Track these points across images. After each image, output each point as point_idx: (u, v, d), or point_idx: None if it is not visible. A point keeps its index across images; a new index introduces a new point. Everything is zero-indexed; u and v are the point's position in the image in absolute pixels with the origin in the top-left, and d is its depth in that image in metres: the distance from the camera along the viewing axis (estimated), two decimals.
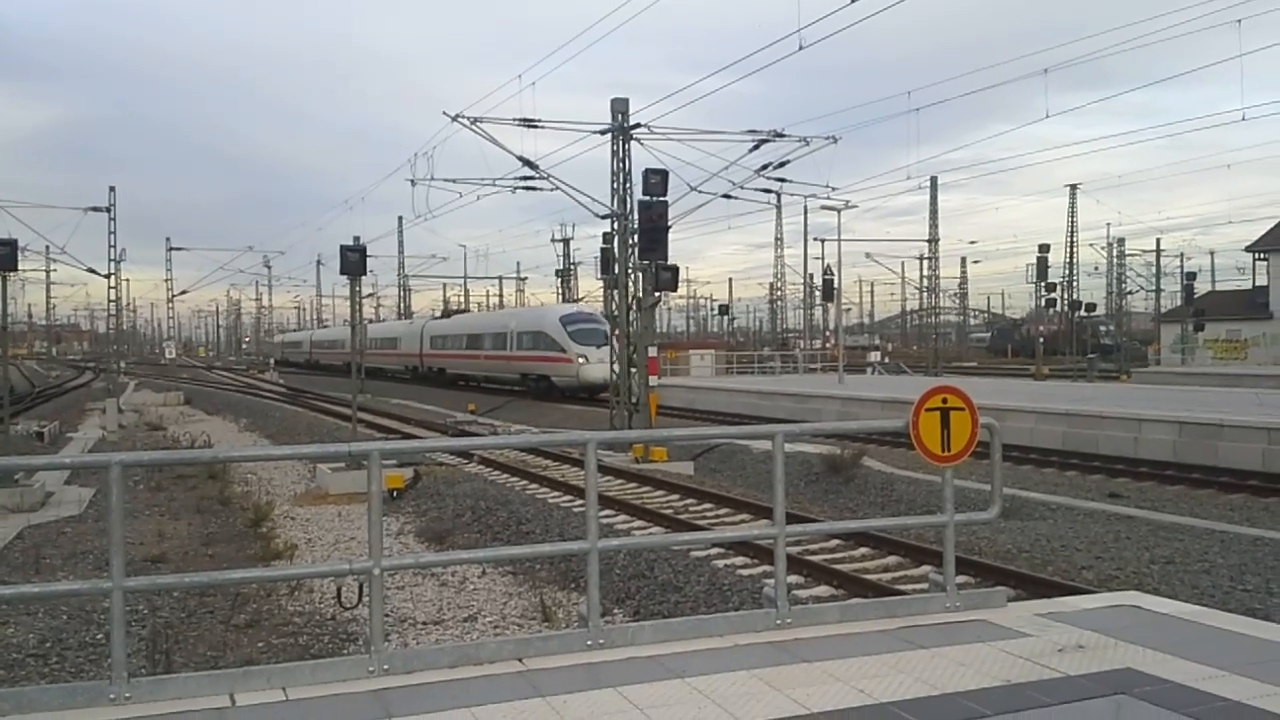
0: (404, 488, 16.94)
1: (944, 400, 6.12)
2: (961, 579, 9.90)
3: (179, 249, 63.86)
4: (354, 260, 18.44)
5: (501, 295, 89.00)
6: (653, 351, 20.62)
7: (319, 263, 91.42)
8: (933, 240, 65.99)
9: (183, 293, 78.14)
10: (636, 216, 20.15)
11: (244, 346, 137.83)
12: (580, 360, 36.00)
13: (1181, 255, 73.04)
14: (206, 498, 16.81)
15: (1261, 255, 62.27)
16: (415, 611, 10.15)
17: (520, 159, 22.95)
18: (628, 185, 21.68)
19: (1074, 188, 75.57)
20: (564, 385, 37.31)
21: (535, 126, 22.38)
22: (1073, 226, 77.68)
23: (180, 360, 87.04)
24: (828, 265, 50.17)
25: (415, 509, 15.90)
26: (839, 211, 36.98)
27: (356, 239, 19.61)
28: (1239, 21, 27.43)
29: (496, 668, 4.99)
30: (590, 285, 79.03)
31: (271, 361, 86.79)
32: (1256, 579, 10.03)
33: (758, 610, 5.81)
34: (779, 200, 48.77)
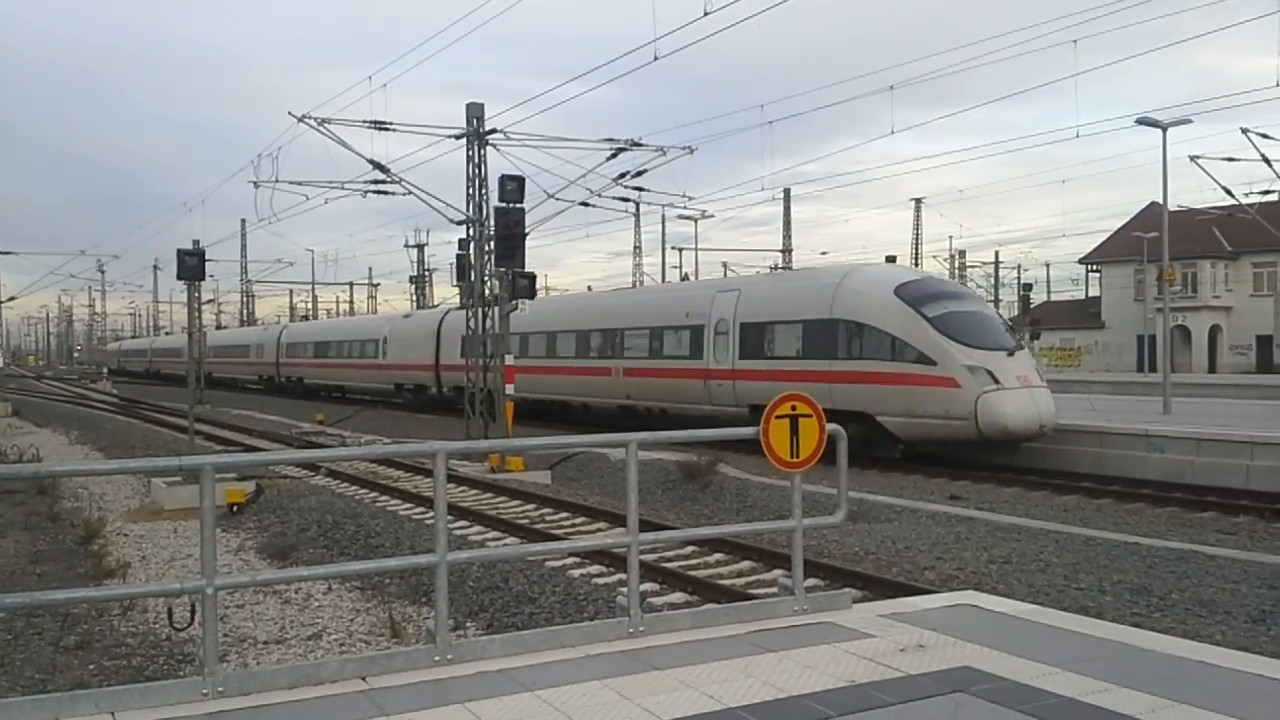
0: (245, 502, 16.29)
1: (793, 408, 6.22)
2: (811, 582, 10.11)
3: (7, 253, 59.96)
4: (192, 265, 17.66)
5: (352, 302, 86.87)
6: (510, 359, 20.43)
7: (156, 267, 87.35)
8: (786, 250, 67.52)
9: (11, 299, 73.52)
10: (493, 223, 19.94)
11: (76, 355, 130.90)
12: (985, 384, 18.43)
13: (1019, 267, 76.56)
14: (35, 514, 15.84)
15: (1094, 267, 66.11)
16: (256, 631, 9.74)
17: (371, 162, 22.46)
18: (484, 191, 21.47)
19: (918, 201, 78.43)
20: (934, 436, 19.41)
21: (387, 129, 21.94)
22: (917, 238, 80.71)
23: (8, 369, 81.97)
24: (685, 274, 50.78)
25: (257, 524, 15.30)
26: (696, 221, 37.52)
27: (196, 243, 18.80)
28: (1075, 42, 29.05)
29: (338, 687, 4.81)
30: (446, 292, 77.94)
31: (105, 371, 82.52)
32: (1090, 578, 10.50)
33: (611, 619, 5.78)
34: (637, 209, 49.03)
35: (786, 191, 68.16)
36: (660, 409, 25.14)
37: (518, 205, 19.14)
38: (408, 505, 16.07)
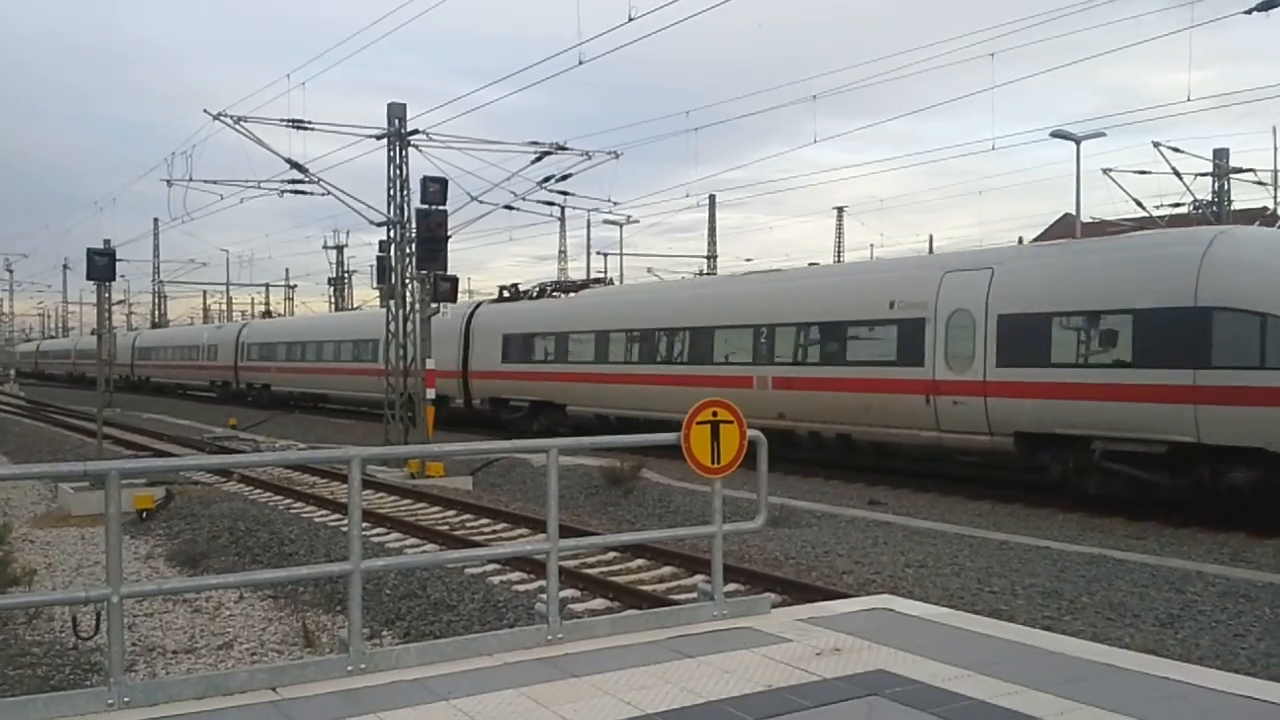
0: (155, 508, 15.88)
1: (714, 414, 6.23)
2: (732, 587, 10.15)
3: None
4: (102, 264, 17.18)
5: (268, 303, 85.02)
6: (431, 363, 20.19)
7: (66, 267, 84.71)
8: (711, 256, 67.95)
9: None
10: (415, 225, 19.71)
11: None
12: None
13: None
14: None
15: None
16: (165, 640, 9.49)
17: (288, 161, 22.06)
18: (405, 193, 21.22)
19: (841, 210, 79.58)
20: None
21: (305, 128, 21.56)
22: (840, 247, 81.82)
23: None
24: (611, 278, 50.76)
25: (167, 531, 14.92)
26: (621, 226, 37.56)
27: (107, 242, 18.31)
28: (992, 55, 29.78)
29: (248, 698, 4.69)
30: (365, 294, 76.83)
31: (12, 373, 79.69)
32: (1002, 581, 10.72)
33: (529, 626, 5.72)
34: (563, 213, 48.87)
35: (712, 198, 68.56)
36: (841, 434, 19.05)
37: (440, 207, 18.95)
38: (323, 512, 15.80)
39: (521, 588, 10.52)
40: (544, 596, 5.74)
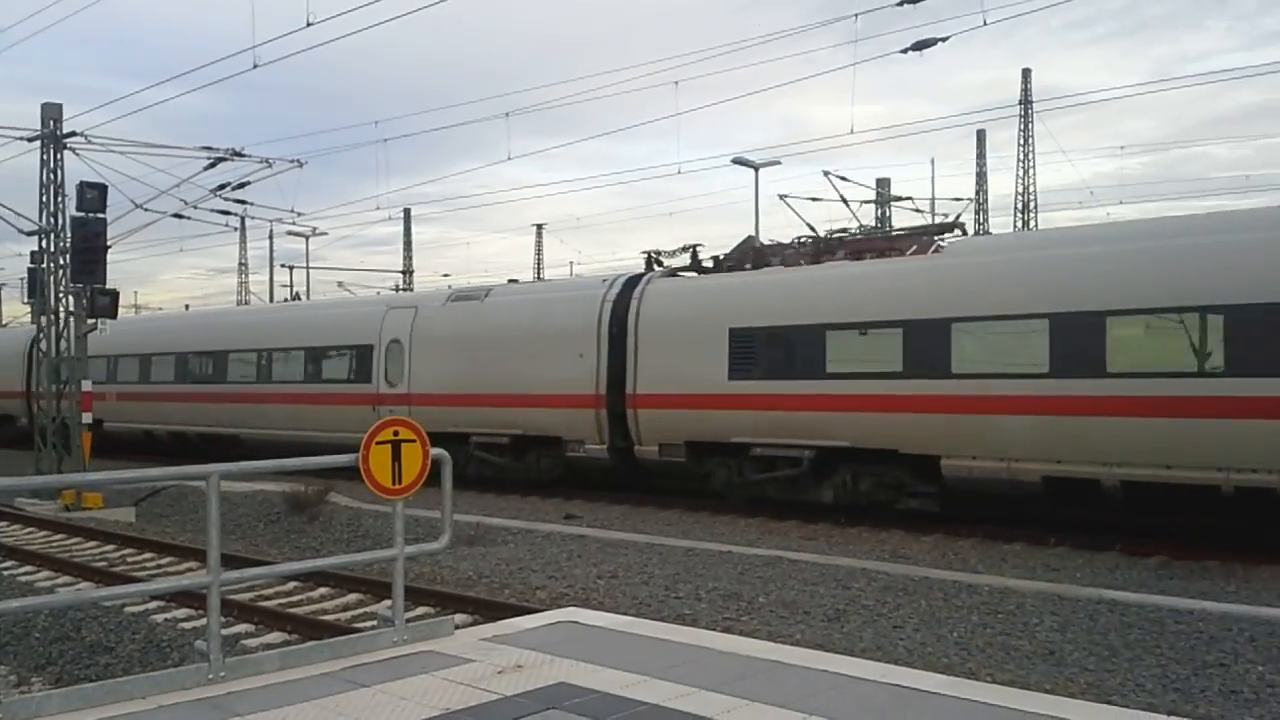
0: None
1: (395, 433, 6.03)
2: (422, 610, 9.90)
3: None
4: None
5: None
6: (87, 385, 18.42)
7: None
8: (407, 271, 66.73)
9: None
10: (70, 235, 17.95)
11: None
12: None
13: None
14: None
15: None
16: None
17: None
18: (61, 199, 19.27)
19: (540, 227, 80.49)
20: None
21: None
22: (539, 263, 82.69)
23: None
24: (297, 293, 48.59)
25: None
26: (307, 238, 36.02)
27: None
28: (676, 83, 31.18)
29: None
30: (16, 310, 69.37)
31: None
32: (688, 586, 11.08)
33: (189, 666, 5.28)
34: (243, 223, 46.29)
35: (407, 211, 67.62)
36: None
37: (99, 215, 17.36)
38: None
39: (188, 625, 9.75)
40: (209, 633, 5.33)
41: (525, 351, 18.83)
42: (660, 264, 19.18)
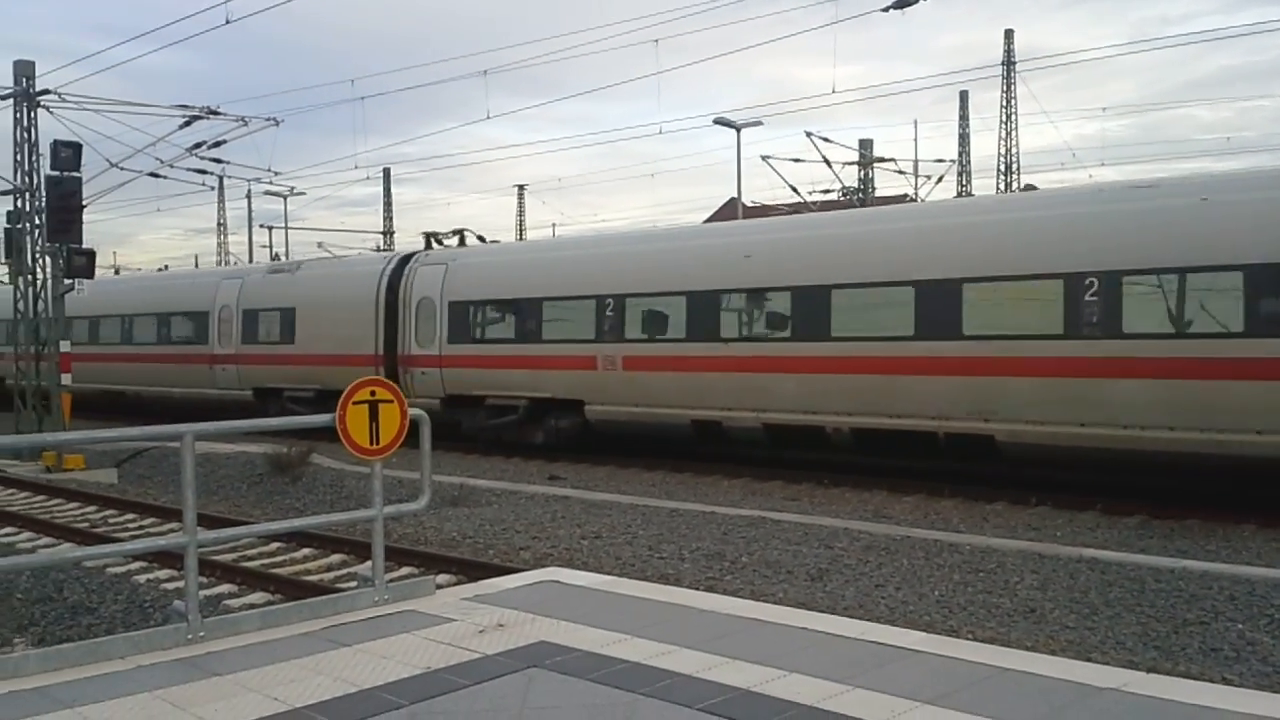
0: None
1: (372, 393, 5.97)
2: (405, 571, 9.89)
3: None
4: None
5: None
6: (65, 346, 18.26)
7: None
8: (388, 233, 66.28)
9: None
10: (45, 194, 17.71)
11: None
12: None
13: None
14: None
15: None
16: None
17: None
18: (35, 158, 19.02)
19: (522, 188, 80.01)
20: None
21: None
22: (521, 225, 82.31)
23: None
24: (277, 254, 48.21)
25: None
26: (285, 198, 35.68)
27: None
28: (656, 42, 30.75)
29: None
30: None
31: None
32: (671, 547, 11.09)
33: (167, 626, 5.26)
34: (221, 183, 45.72)
35: (386, 171, 67.09)
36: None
37: (73, 174, 17.13)
38: None
39: (170, 585, 9.74)
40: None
41: (325, 317, 22.09)
42: (440, 243, 22.59)
